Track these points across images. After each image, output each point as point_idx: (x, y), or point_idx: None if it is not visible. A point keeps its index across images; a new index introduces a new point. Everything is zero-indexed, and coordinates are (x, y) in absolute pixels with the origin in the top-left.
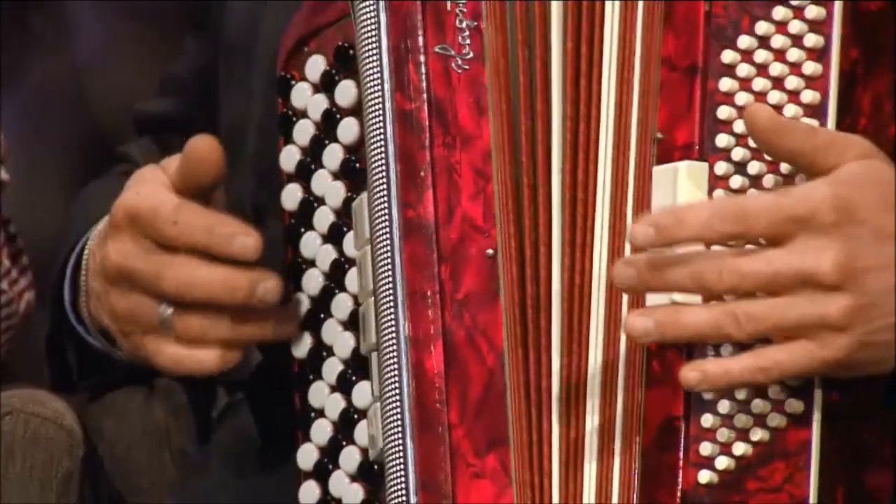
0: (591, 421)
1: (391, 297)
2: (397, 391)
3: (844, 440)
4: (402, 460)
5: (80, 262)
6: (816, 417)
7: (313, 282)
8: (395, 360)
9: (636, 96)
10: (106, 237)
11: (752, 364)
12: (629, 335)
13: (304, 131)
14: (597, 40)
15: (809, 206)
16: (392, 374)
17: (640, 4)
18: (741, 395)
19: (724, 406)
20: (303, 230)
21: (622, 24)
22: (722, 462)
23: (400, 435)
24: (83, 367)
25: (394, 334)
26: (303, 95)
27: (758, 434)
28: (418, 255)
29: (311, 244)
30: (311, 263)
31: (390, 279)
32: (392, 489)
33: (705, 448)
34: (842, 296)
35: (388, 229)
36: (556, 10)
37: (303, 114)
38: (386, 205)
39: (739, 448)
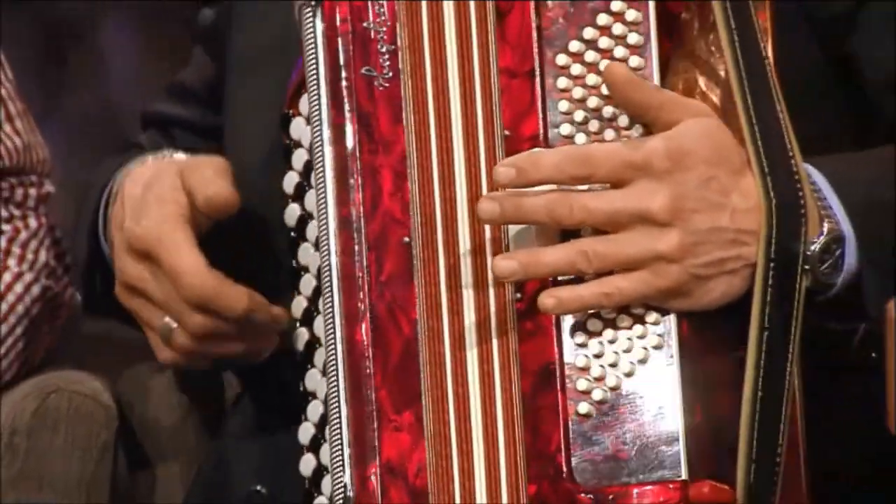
0: (473, 372)
1: (329, 283)
2: (335, 361)
3: (695, 367)
4: (338, 420)
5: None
6: (673, 346)
7: (308, 285)
8: (333, 334)
9: (479, 104)
10: (122, 249)
11: (598, 290)
12: (497, 275)
13: (299, 158)
14: (445, 60)
15: (645, 154)
16: (331, 346)
17: (473, 26)
18: (608, 334)
19: (593, 347)
20: (300, 241)
21: (458, 45)
22: (598, 394)
23: (336, 399)
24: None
25: (332, 312)
26: (298, 128)
27: (626, 366)
28: (349, 245)
29: (306, 253)
30: (306, 269)
31: (329, 267)
32: (333, 446)
33: (581, 384)
34: (672, 232)
35: (326, 225)
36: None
37: (298, 144)
38: (325, 205)
39: (612, 381)
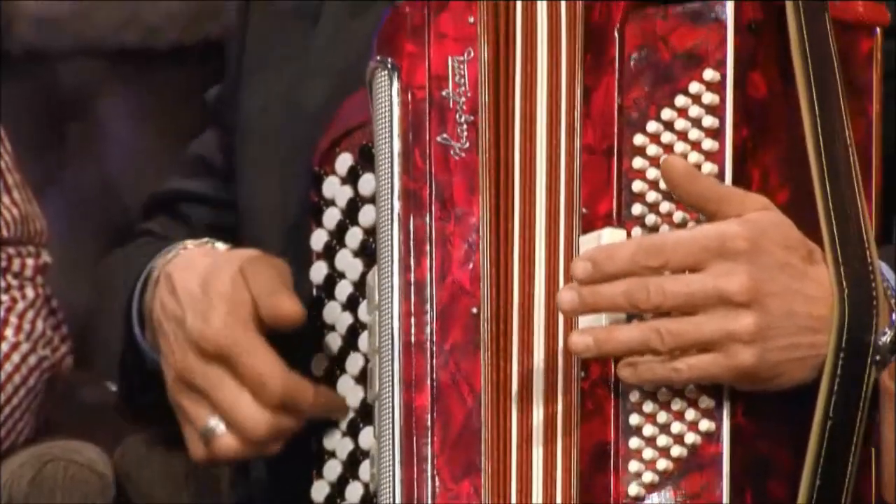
0: (537, 447)
1: (389, 347)
2: (390, 425)
3: (749, 453)
4: (390, 485)
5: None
6: (725, 435)
7: (333, 344)
8: (389, 399)
9: (563, 180)
10: (185, 346)
11: (670, 365)
12: (571, 350)
13: (331, 217)
14: (533, 137)
15: (721, 237)
16: (387, 410)
17: (563, 104)
18: (662, 419)
19: (647, 430)
20: (326, 300)
21: (548, 122)
22: (648, 476)
23: (390, 462)
24: (144, 383)
25: (390, 378)
26: (332, 187)
27: (677, 451)
28: (414, 312)
29: (333, 312)
30: (332, 328)
31: (390, 331)
32: None
33: (633, 465)
34: (748, 314)
35: (389, 289)
36: (517, 113)
37: (331, 202)
38: (389, 268)
39: (662, 464)
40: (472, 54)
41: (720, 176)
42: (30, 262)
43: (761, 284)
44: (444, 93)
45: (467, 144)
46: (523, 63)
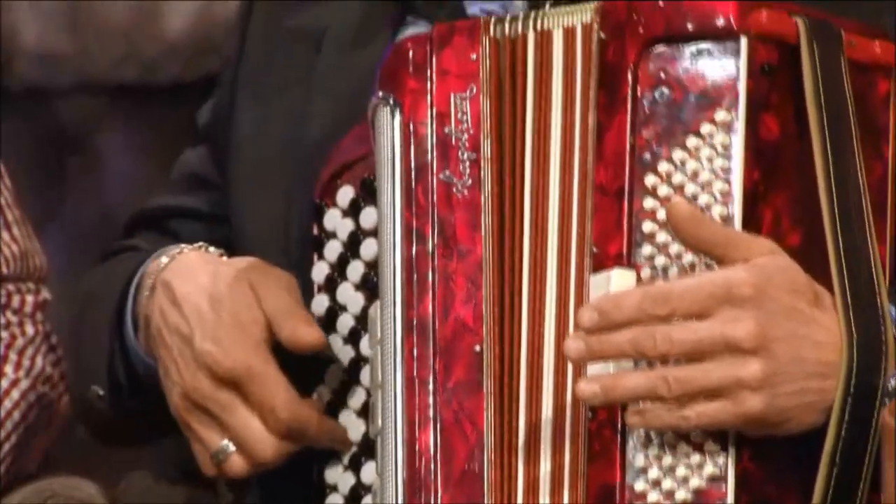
0: (544, 488)
1: (392, 382)
2: (392, 462)
3: (756, 498)
4: None
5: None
6: (730, 480)
7: (335, 377)
8: (392, 435)
9: (575, 219)
10: (194, 366)
11: (678, 412)
12: (580, 398)
13: (332, 250)
14: (545, 175)
15: (727, 284)
16: (389, 447)
17: (576, 143)
18: (667, 462)
19: (653, 473)
20: (327, 333)
21: (561, 161)
22: None
23: (393, 499)
24: (133, 388)
25: (392, 414)
26: (333, 220)
27: (681, 495)
28: (417, 349)
29: (334, 345)
30: (333, 361)
31: (392, 366)
32: None
33: None
34: (755, 360)
35: (392, 326)
36: (528, 150)
37: (332, 235)
38: (391, 305)
39: None
40: (475, 91)
41: (731, 218)
42: (29, 298)
43: (768, 330)
44: (446, 129)
45: (470, 181)
46: (535, 100)
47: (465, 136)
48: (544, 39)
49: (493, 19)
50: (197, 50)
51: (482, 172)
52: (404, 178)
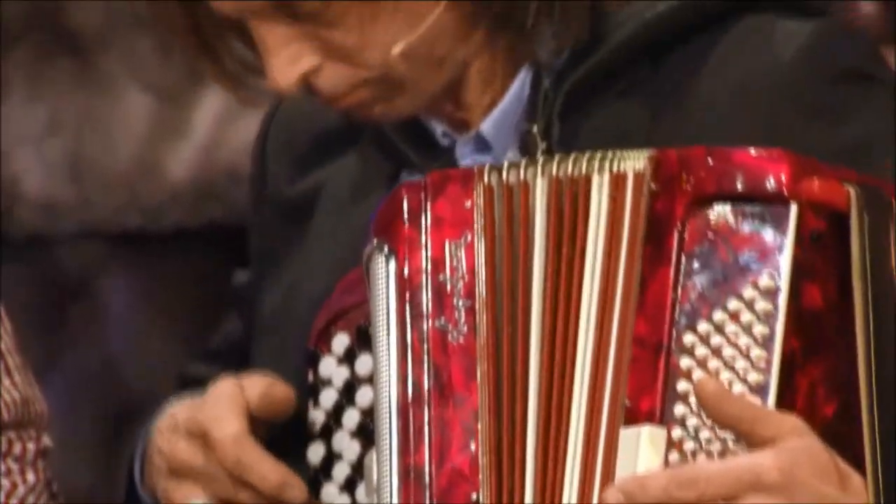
0: None
1: None
2: None
3: None
4: None
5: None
6: None
7: None
8: None
9: (611, 370)
10: (174, 433)
11: None
12: None
13: (328, 397)
14: (572, 322)
15: (755, 469)
16: None
17: (618, 292)
18: None
19: None
20: (323, 482)
21: (599, 308)
22: None
23: None
24: None
25: None
26: (329, 367)
27: None
28: (413, 498)
29: (331, 494)
30: None
31: None
32: None
33: None
34: None
35: (388, 475)
36: (536, 295)
37: (328, 382)
38: (387, 454)
39: None
40: (470, 239)
41: (766, 386)
42: (31, 445)
43: None
44: (441, 277)
45: (465, 329)
46: (548, 244)
47: (461, 283)
48: (554, 186)
49: (487, 167)
50: (199, 197)
51: (477, 319)
52: (399, 326)
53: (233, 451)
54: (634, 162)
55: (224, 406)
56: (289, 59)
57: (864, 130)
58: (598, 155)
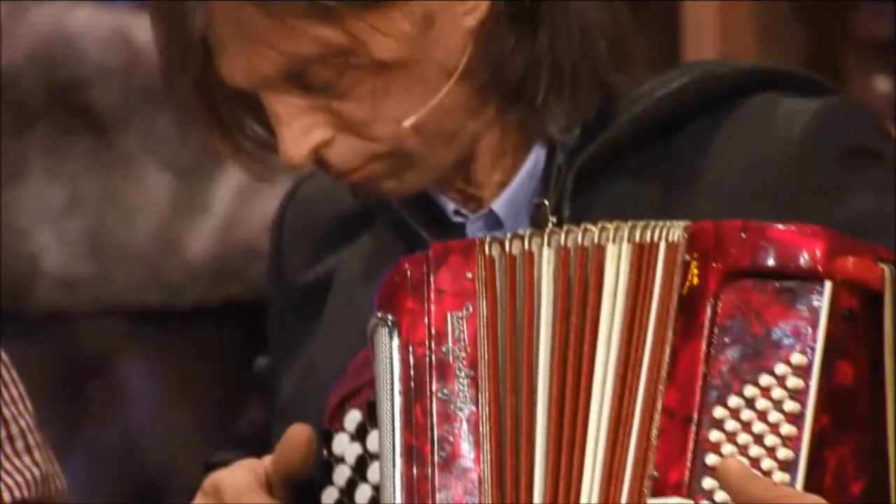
0: None
1: None
2: None
3: None
4: None
5: None
6: None
7: None
8: None
9: (633, 440)
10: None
11: None
12: None
13: (341, 474)
14: (583, 392)
15: None
16: None
17: (645, 362)
18: None
19: None
20: None
21: (619, 378)
22: None
23: None
24: None
25: None
26: (342, 444)
27: None
28: None
29: None
30: None
31: None
32: None
33: None
34: None
35: None
36: (542, 365)
37: (341, 459)
38: None
39: None
40: (471, 310)
41: (795, 462)
42: None
43: None
44: (443, 348)
45: (468, 399)
46: (555, 313)
47: (463, 354)
48: (562, 255)
49: (488, 238)
50: (218, 274)
51: (480, 390)
52: (403, 398)
53: None
54: (667, 232)
55: (243, 471)
56: (301, 131)
57: (866, 207)
58: (613, 225)
